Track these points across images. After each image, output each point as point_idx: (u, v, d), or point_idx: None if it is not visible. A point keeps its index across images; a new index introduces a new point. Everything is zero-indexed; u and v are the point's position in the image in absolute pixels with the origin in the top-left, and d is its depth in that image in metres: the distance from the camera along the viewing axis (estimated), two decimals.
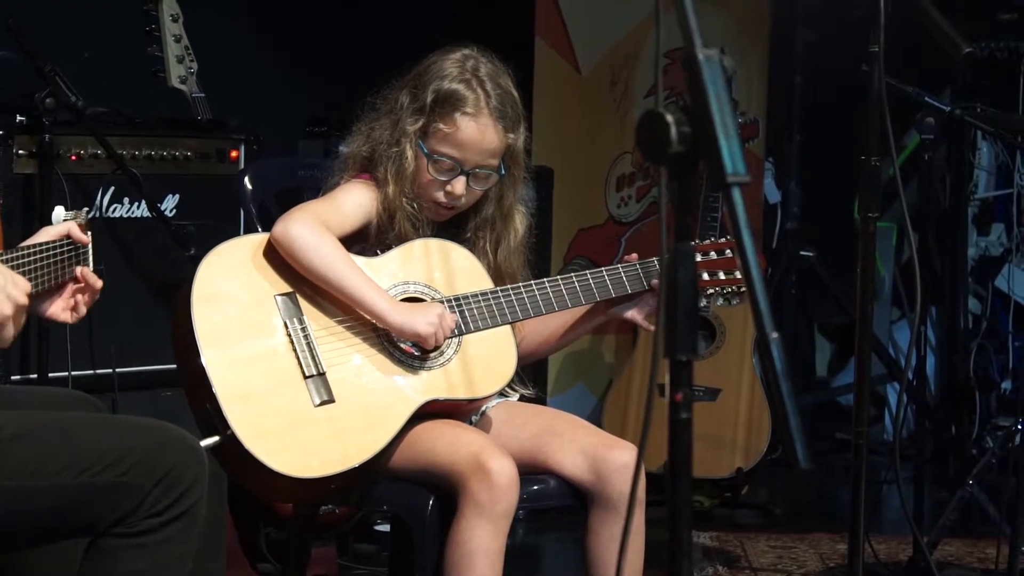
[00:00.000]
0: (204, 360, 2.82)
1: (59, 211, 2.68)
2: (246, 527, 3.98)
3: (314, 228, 2.92)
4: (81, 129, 3.64)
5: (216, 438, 2.79)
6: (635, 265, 3.05)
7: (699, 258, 3.10)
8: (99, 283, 2.66)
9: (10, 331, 2.42)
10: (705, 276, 3.11)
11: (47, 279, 2.57)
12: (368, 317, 2.94)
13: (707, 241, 3.14)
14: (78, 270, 2.65)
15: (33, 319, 2.64)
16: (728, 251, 3.12)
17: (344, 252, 2.94)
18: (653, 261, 3.04)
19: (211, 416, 2.80)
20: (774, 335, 1.59)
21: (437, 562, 2.87)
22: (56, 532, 2.50)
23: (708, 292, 3.12)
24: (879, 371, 5.69)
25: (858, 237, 3.04)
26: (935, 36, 3.14)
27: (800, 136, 5.59)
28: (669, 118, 1.64)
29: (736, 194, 1.62)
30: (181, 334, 2.87)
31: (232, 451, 2.78)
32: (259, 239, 2.97)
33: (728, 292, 3.12)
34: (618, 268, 3.06)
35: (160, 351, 3.63)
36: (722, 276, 3.11)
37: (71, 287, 2.65)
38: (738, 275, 3.09)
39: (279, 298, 2.93)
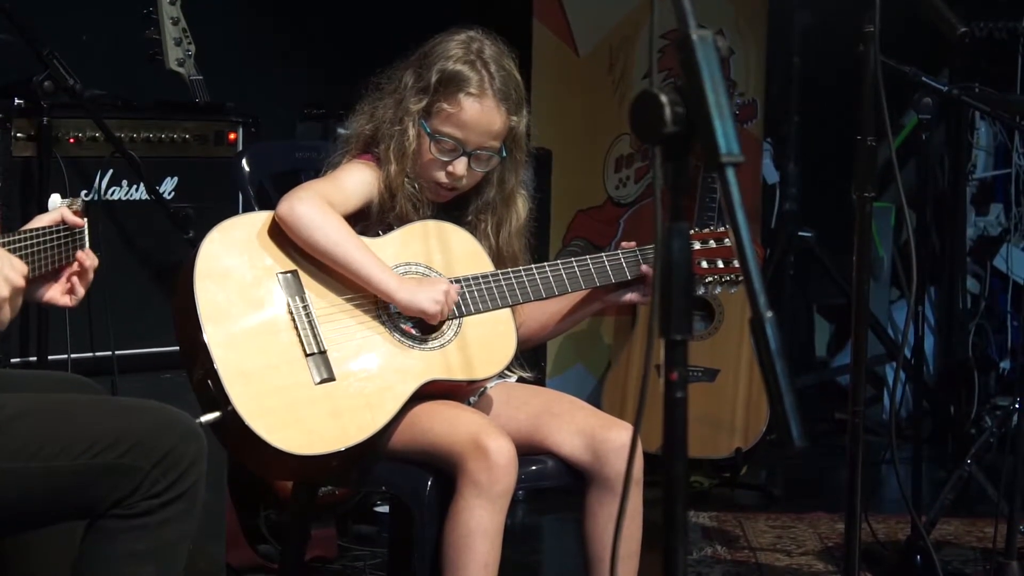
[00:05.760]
0: (206, 336, 2.83)
1: (55, 198, 2.69)
2: (246, 509, 3.99)
3: (319, 206, 2.92)
4: (79, 112, 3.63)
5: (217, 414, 2.79)
6: (634, 251, 3.06)
7: (698, 246, 3.11)
8: (95, 262, 2.66)
9: (6, 313, 2.42)
10: (704, 264, 3.11)
11: (44, 263, 2.57)
12: (374, 294, 2.95)
13: (707, 230, 3.14)
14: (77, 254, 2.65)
15: (34, 303, 2.65)
16: (727, 240, 3.12)
17: (349, 230, 2.95)
18: (651, 248, 3.04)
19: (212, 392, 2.80)
20: (768, 314, 1.59)
21: (436, 542, 2.87)
22: (55, 514, 2.50)
23: (707, 280, 3.12)
24: (878, 351, 5.69)
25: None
26: (931, 17, 3.13)
27: (799, 117, 5.58)
28: (663, 98, 1.64)
29: (730, 174, 1.62)
30: (183, 310, 2.87)
31: (232, 428, 2.79)
32: (262, 217, 2.98)
33: (727, 280, 3.12)
34: (617, 254, 3.06)
35: (159, 333, 3.63)
36: (720, 264, 3.11)
37: (67, 270, 2.65)
38: (736, 264, 3.09)
39: (281, 276, 2.94)
